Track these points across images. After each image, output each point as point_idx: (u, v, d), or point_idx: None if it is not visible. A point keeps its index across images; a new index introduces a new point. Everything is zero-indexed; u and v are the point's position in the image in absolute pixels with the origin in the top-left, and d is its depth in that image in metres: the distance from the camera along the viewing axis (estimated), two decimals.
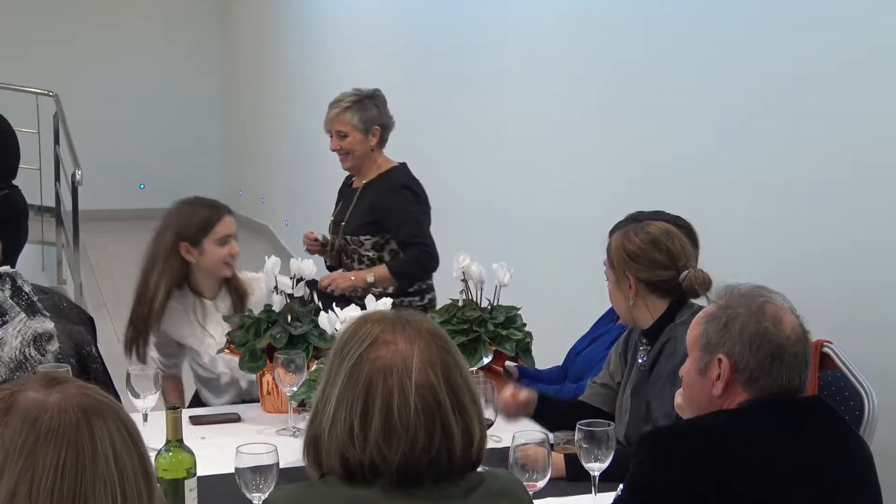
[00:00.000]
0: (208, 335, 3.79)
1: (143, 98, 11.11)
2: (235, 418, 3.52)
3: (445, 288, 3.74)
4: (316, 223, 9.14)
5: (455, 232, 6.01)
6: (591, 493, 2.74)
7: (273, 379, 3.45)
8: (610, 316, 3.80)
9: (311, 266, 3.55)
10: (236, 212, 11.67)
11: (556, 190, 5.19)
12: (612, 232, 3.54)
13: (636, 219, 3.47)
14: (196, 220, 3.70)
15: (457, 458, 1.85)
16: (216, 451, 2.98)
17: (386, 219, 4.47)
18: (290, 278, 3.51)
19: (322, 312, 3.23)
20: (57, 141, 8.37)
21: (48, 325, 3.58)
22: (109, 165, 10.30)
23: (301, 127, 9.19)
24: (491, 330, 3.50)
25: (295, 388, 3.27)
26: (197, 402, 3.95)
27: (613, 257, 3.13)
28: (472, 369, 3.07)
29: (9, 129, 6.12)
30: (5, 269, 3.59)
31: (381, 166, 4.56)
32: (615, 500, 2.34)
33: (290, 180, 9.44)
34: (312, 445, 1.90)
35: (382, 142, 4.55)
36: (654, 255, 3.09)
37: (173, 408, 2.56)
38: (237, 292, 3.79)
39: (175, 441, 2.52)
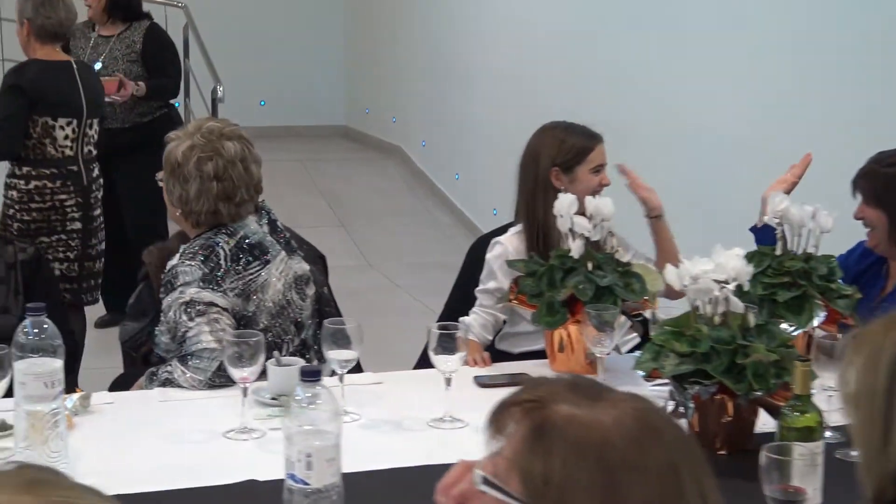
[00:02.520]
0: None
1: (265, 12, 10.60)
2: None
3: None
4: (457, 141, 8.65)
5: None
6: None
7: (570, 334, 3.01)
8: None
9: (609, 204, 3.08)
10: (363, 131, 11.19)
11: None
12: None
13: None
14: (570, 146, 3.34)
15: None
16: None
17: None
18: (588, 218, 3.05)
19: (668, 266, 2.72)
20: (187, 55, 7.93)
21: (305, 266, 3.20)
22: (230, 81, 9.81)
23: (438, 44, 8.67)
24: (818, 284, 3.03)
25: (603, 348, 2.83)
26: None
27: None
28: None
29: (172, 43, 5.72)
30: (259, 201, 3.18)
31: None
32: None
33: (426, 99, 8.92)
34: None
35: (39, 38, 4.78)
36: None
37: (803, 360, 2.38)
38: None
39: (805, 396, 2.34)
